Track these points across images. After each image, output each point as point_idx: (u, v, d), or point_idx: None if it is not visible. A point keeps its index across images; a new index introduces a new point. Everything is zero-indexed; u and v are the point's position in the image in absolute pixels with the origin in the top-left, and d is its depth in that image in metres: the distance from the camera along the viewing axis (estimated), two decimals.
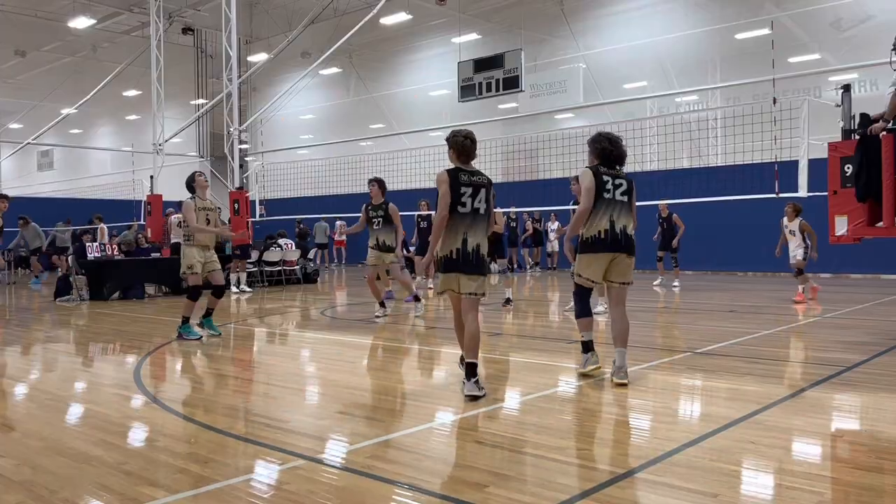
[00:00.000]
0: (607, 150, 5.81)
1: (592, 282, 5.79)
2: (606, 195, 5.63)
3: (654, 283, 14.91)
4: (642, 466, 3.63)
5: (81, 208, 23.80)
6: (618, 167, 5.87)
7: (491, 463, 3.76)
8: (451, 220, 5.25)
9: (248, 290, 15.26)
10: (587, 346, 5.89)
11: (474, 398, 5.06)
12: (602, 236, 5.60)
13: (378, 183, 10.01)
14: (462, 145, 5.38)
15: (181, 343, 8.22)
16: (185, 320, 8.48)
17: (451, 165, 5.44)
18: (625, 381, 5.47)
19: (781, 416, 4.56)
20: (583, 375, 5.84)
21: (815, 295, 11.61)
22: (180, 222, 14.92)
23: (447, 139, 5.47)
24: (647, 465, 3.65)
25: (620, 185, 5.73)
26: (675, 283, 14.40)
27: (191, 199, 8.46)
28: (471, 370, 5.18)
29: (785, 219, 11.08)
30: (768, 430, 4.26)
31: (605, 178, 5.68)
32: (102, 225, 18.74)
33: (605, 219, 5.60)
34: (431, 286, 12.15)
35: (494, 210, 6.39)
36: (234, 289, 15.04)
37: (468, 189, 5.26)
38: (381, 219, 9.88)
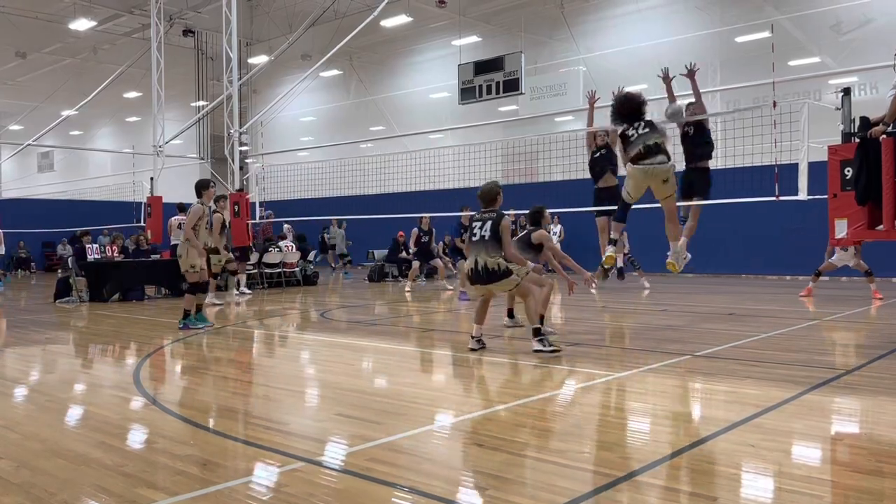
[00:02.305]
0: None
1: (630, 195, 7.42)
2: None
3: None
4: (642, 469, 3.62)
5: (81, 210, 23.82)
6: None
7: (490, 466, 3.76)
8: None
9: (247, 292, 15.24)
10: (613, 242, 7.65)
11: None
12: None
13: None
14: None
15: (181, 344, 8.22)
16: (187, 314, 9.03)
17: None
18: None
19: (781, 420, 4.56)
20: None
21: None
22: (180, 224, 14.97)
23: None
24: (646, 468, 3.65)
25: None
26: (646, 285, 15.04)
27: (200, 203, 8.76)
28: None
29: None
30: (768, 433, 4.25)
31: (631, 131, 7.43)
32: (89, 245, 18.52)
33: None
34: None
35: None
36: (234, 291, 15.03)
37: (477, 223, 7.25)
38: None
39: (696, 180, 8.42)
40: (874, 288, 12.04)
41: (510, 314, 9.30)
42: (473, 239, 7.25)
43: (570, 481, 3.51)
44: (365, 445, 4.14)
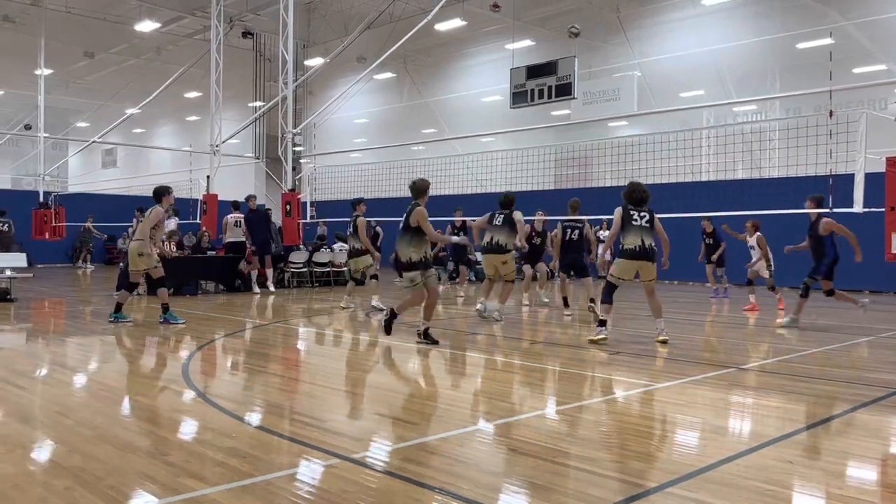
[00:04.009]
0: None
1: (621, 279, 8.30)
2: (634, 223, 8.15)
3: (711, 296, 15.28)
4: (675, 481, 3.60)
5: (141, 205, 24.57)
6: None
7: (522, 471, 3.79)
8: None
9: (272, 290, 15.21)
10: (602, 323, 8.20)
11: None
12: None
13: None
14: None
15: (231, 339, 8.44)
16: (166, 308, 9.65)
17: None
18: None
19: (824, 437, 4.47)
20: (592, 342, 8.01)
21: (754, 309, 12.24)
22: (237, 221, 15.31)
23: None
24: (679, 479, 3.63)
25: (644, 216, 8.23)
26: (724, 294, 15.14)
27: (160, 207, 9.69)
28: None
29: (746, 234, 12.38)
30: (808, 450, 4.18)
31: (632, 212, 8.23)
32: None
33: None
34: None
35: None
36: (255, 288, 15.02)
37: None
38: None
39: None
40: (753, 300, 12.48)
41: (566, 303, 11.33)
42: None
43: (602, 490, 3.51)
44: (401, 445, 4.21)
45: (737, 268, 18.54)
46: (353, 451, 4.08)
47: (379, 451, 4.14)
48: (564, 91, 16.18)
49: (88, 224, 23.22)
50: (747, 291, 12.70)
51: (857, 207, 8.45)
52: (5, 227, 20.50)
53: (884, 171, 6.85)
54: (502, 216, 10.23)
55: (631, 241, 8.02)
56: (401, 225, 7.95)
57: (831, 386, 6.06)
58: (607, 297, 8.22)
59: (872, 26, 19.17)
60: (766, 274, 12.18)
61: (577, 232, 11.08)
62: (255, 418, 4.92)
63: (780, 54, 20.86)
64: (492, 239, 10.19)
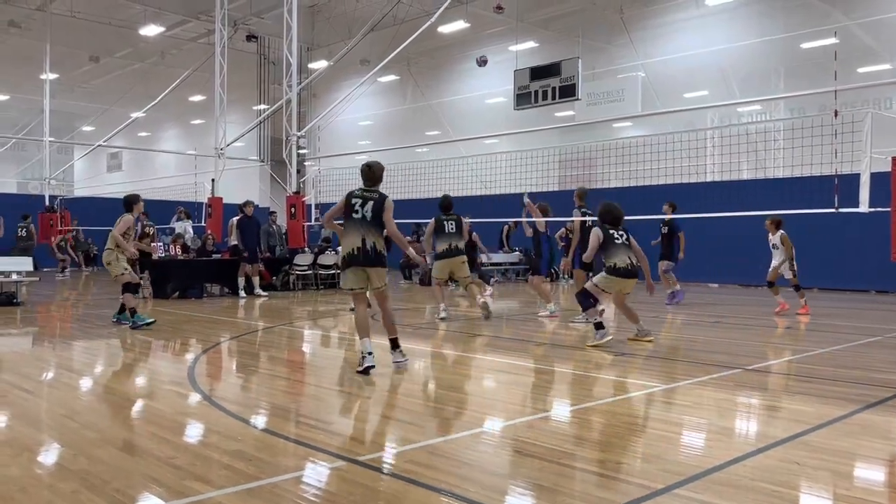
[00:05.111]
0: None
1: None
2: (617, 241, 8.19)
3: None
4: (681, 482, 3.59)
5: (146, 209, 24.62)
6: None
7: (528, 473, 3.78)
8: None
9: (262, 294, 15.13)
10: (599, 326, 7.99)
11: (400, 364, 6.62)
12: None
13: None
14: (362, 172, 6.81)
15: (236, 342, 8.45)
16: (123, 309, 9.77)
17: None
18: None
19: (831, 438, 4.45)
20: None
21: (783, 311, 11.64)
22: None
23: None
24: (686, 481, 3.62)
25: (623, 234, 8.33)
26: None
27: (129, 215, 9.73)
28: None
29: (769, 234, 11.71)
30: (815, 451, 4.16)
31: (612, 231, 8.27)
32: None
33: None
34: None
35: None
36: (241, 293, 14.87)
37: (358, 200, 6.56)
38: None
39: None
40: (781, 300, 11.77)
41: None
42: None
43: (608, 491, 3.51)
44: (406, 447, 4.21)
45: (752, 269, 18.52)
46: (359, 454, 4.08)
47: (385, 454, 4.14)
48: (568, 92, 16.20)
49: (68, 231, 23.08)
50: (772, 294, 11.92)
51: (863, 207, 8.42)
52: (23, 233, 20.59)
53: (889, 170, 6.83)
54: (452, 222, 10.76)
55: (621, 260, 8.07)
56: (366, 214, 6.55)
57: (838, 386, 6.04)
58: (590, 302, 8.18)
59: (877, 25, 19.13)
60: (789, 274, 11.59)
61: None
62: (260, 421, 4.93)
63: (785, 54, 20.82)
64: (450, 245, 10.71)
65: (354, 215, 6.54)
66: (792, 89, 19.05)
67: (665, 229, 13.20)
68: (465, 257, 10.88)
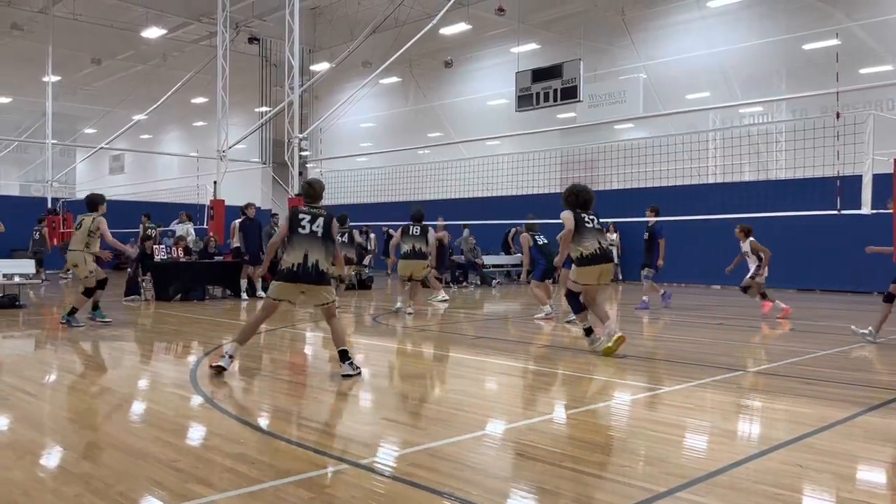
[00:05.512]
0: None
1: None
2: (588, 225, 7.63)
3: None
4: (683, 486, 3.59)
5: (149, 211, 24.69)
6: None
7: (531, 476, 3.78)
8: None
9: (264, 296, 14.97)
10: (589, 331, 7.71)
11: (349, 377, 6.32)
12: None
13: None
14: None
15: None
16: (74, 311, 9.86)
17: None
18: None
19: (834, 440, 4.45)
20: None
21: (787, 314, 11.35)
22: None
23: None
24: (688, 484, 3.62)
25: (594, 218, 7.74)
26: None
27: (97, 215, 9.82)
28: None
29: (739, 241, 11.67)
30: (818, 453, 4.16)
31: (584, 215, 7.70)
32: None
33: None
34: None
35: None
36: (243, 296, 14.85)
37: (307, 216, 6.57)
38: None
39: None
40: (777, 303, 11.55)
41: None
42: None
43: (610, 495, 3.51)
44: (408, 450, 4.21)
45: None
46: (362, 457, 4.09)
47: (387, 457, 4.15)
48: (570, 94, 16.19)
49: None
50: (757, 300, 11.85)
51: (865, 209, 8.42)
52: (37, 236, 20.61)
53: (891, 172, 6.82)
54: (419, 227, 12.03)
55: (589, 245, 7.53)
56: (316, 230, 6.54)
57: (841, 389, 6.03)
58: (578, 306, 7.85)
59: (879, 27, 19.11)
60: (761, 274, 11.63)
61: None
62: (263, 423, 4.93)
63: (786, 56, 20.82)
64: (413, 247, 11.95)
65: (301, 230, 6.51)
66: (794, 91, 19.04)
67: (646, 235, 12.88)
68: (426, 262, 12.05)
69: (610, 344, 7.35)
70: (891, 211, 7.79)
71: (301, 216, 6.57)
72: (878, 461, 4.21)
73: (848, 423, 4.88)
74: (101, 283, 10.06)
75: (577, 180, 21.89)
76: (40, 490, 3.55)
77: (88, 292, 9.99)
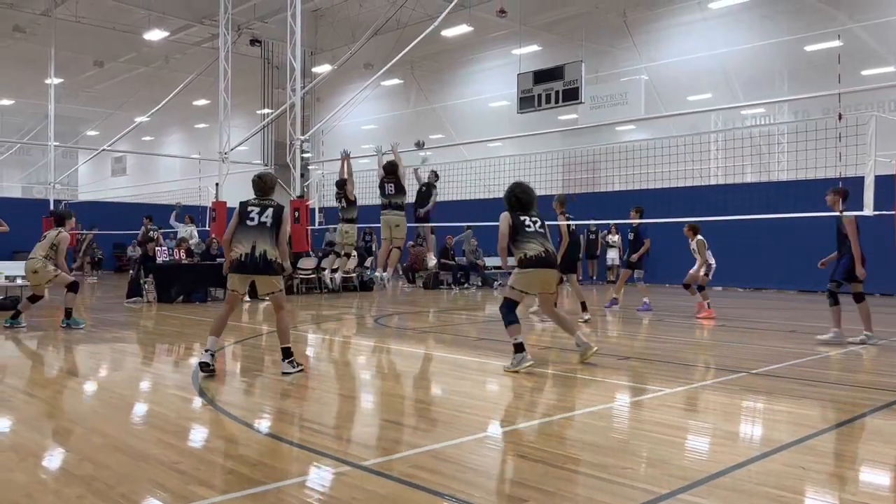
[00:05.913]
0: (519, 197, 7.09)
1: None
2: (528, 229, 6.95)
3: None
4: (685, 487, 3.59)
5: (151, 213, 24.73)
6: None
7: (532, 478, 3.78)
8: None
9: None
10: (519, 347, 6.80)
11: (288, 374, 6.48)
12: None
13: None
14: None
15: (239, 346, 8.46)
16: (69, 312, 10.05)
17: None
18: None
19: (836, 442, 4.44)
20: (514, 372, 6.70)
21: (710, 314, 11.69)
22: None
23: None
24: (690, 486, 3.61)
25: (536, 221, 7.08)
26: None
27: (62, 231, 10.14)
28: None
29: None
30: (821, 455, 4.15)
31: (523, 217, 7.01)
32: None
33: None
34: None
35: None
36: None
37: (255, 208, 6.74)
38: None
39: None
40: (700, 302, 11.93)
41: (584, 307, 11.14)
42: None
43: (611, 496, 3.50)
44: (410, 452, 4.21)
45: (755, 272, 18.47)
46: (364, 459, 4.08)
47: (389, 458, 4.14)
48: (572, 96, 16.18)
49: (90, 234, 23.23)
50: (689, 295, 12.18)
51: (867, 210, 8.41)
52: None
53: (893, 173, 6.81)
54: (392, 184, 11.48)
55: (533, 248, 6.87)
56: (265, 220, 6.69)
57: (844, 390, 6.02)
58: (514, 317, 6.97)
59: (881, 28, 19.09)
60: (701, 272, 11.91)
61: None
62: (264, 425, 4.93)
63: (788, 57, 20.80)
64: (389, 202, 11.46)
65: (249, 222, 6.68)
66: (796, 92, 19.01)
67: (631, 235, 12.88)
68: (402, 214, 11.51)
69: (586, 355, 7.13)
70: (891, 212, 7.80)
71: (250, 209, 6.77)
72: (880, 463, 4.20)
73: (851, 424, 4.87)
74: (73, 286, 10.21)
75: (578, 182, 22.01)
76: (42, 492, 3.55)
77: (35, 299, 10.34)
